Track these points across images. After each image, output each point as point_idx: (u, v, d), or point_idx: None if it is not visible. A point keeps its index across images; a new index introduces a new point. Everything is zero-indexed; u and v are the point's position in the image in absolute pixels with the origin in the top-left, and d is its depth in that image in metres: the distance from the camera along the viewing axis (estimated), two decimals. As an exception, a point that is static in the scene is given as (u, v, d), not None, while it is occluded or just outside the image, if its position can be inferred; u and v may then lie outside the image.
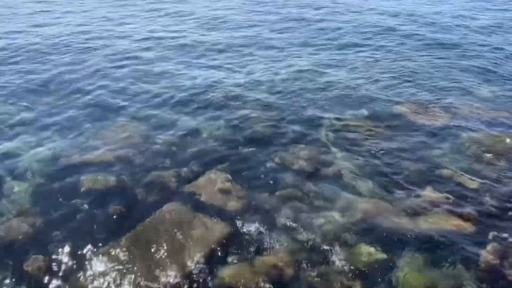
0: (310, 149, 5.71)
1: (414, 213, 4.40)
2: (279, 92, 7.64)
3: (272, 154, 5.58)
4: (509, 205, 4.56)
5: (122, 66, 9.07)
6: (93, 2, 15.88)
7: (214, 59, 9.62)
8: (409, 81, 8.17)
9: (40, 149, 5.63)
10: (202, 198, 4.69)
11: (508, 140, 5.87)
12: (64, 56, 9.66)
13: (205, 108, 7.00)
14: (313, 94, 7.57)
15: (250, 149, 5.73)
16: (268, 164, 5.36)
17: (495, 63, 9.32)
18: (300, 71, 8.76)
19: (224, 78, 8.38)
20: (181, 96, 7.47)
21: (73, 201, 4.61)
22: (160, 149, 5.70)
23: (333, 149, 5.73)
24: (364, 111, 6.84)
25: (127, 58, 9.63)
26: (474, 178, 5.00)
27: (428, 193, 4.72)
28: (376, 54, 10.04)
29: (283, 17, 14.34)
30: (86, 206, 4.53)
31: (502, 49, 10.43)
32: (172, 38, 11.40)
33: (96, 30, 11.94)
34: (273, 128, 6.32)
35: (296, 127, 6.34)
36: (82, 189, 4.81)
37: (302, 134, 6.15)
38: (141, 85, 8.03)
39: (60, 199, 4.65)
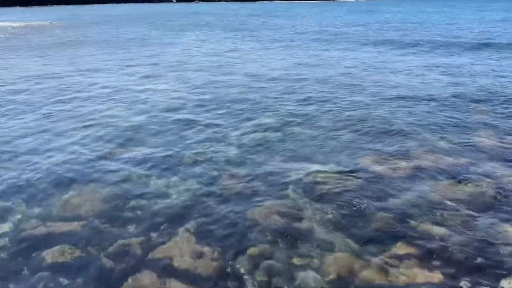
0: (281, 205, 5.75)
1: (385, 268, 4.43)
2: (248, 149, 7.78)
3: (243, 211, 5.58)
4: (475, 252, 4.67)
5: (86, 127, 9.07)
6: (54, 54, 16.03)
7: (179, 118, 9.77)
8: (372, 133, 8.52)
9: (1, 223, 5.41)
10: (172, 263, 4.57)
11: (467, 187, 6.12)
12: (26, 116, 9.57)
13: (174, 169, 7.00)
14: (281, 149, 7.75)
15: (221, 207, 5.72)
16: (240, 222, 5.35)
17: (451, 113, 9.89)
18: (266, 127, 9.03)
19: (192, 137, 8.50)
20: (150, 158, 7.47)
21: (37, 274, 4.39)
22: (128, 215, 5.58)
23: (303, 204, 5.79)
24: (331, 164, 7.01)
25: (91, 119, 9.66)
26: (440, 227, 5.13)
27: (398, 245, 4.79)
28: (337, 106, 10.49)
29: (247, 73, 14.90)
30: (51, 280, 4.32)
31: (459, 97, 11.15)
32: (138, 92, 11.57)
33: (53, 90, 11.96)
34: (243, 185, 6.37)
35: (266, 183, 6.41)
36: (47, 262, 4.59)
37: (272, 190, 6.21)
38: (106, 146, 8.00)
39: (25, 273, 4.42)
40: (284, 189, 6.24)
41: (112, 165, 7.14)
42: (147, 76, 15.27)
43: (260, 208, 5.68)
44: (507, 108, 10.21)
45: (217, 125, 9.20)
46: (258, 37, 29.82)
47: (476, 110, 10.05)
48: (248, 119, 9.58)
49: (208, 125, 9.22)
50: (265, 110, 10.35)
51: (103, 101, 11.47)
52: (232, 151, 7.69)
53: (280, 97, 11.63)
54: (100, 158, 7.47)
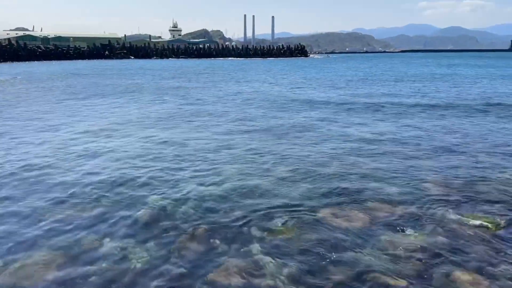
0: (242, 263, 5.65)
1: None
2: (208, 206, 7.70)
3: (203, 275, 5.42)
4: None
5: (31, 193, 8.67)
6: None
7: (134, 175, 9.59)
8: (329, 185, 8.74)
9: None
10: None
11: (420, 236, 6.34)
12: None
13: (130, 230, 6.75)
14: (239, 203, 7.75)
15: (180, 271, 5.53)
16: (201, 286, 5.18)
17: (400, 162, 10.41)
18: (225, 181, 9.03)
19: (150, 195, 8.32)
20: (104, 218, 7.19)
21: None
22: (79, 282, 5.25)
23: (264, 260, 5.73)
24: (288, 219, 7.06)
25: (37, 182, 9.26)
26: (397, 279, 5.22)
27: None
28: (292, 160, 10.75)
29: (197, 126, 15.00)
30: None
31: (408, 147, 11.79)
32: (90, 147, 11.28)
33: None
34: (203, 246, 6.22)
35: (226, 241, 6.31)
36: None
37: (232, 248, 6.11)
38: (55, 210, 7.64)
39: None
40: (245, 245, 6.17)
41: (63, 228, 6.78)
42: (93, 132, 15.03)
43: (221, 267, 5.55)
44: (450, 156, 10.92)
45: (174, 181, 9.10)
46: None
47: (423, 159, 10.64)
48: (206, 172, 9.57)
49: (165, 181, 9.09)
50: (225, 163, 10.41)
51: (48, 157, 11.08)
52: (190, 207, 7.59)
53: (237, 150, 11.79)
54: (51, 220, 7.08)
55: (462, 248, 5.97)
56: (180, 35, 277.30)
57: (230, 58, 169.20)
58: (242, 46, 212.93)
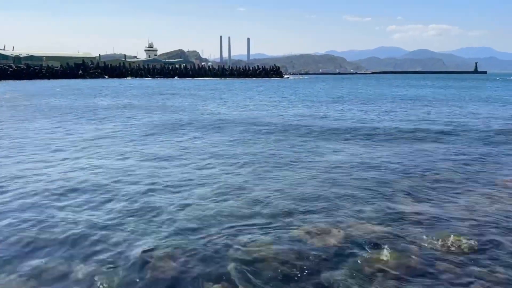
0: (217, 285, 5.57)
1: None
2: (183, 226, 7.58)
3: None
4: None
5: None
6: None
7: (105, 199, 9.38)
8: (305, 204, 8.78)
9: None
10: None
11: (394, 255, 6.41)
12: None
13: (102, 251, 6.56)
14: (215, 224, 7.66)
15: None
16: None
17: (375, 183, 10.61)
18: (198, 201, 8.95)
19: (123, 217, 8.14)
20: (73, 242, 6.96)
21: None
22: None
23: (241, 282, 5.66)
24: (264, 238, 7.03)
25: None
26: (373, 297, 5.26)
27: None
28: (268, 181, 10.78)
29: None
30: None
31: (382, 170, 12.04)
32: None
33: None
34: (178, 267, 6.10)
35: (201, 262, 6.21)
36: None
37: (207, 269, 6.01)
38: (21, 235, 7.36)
39: None
40: (220, 265, 6.10)
41: (30, 252, 6.51)
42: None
43: (195, 290, 5.44)
44: (420, 177, 11.22)
45: (147, 202, 8.94)
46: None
47: (395, 180, 10.88)
48: (181, 193, 9.45)
49: (137, 202, 8.92)
50: (198, 184, 10.32)
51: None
52: (164, 228, 7.46)
53: (212, 170, 11.74)
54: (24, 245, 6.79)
55: (435, 268, 6.06)
56: (156, 55, 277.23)
57: (208, 78, 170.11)
58: (218, 66, 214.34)
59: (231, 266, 6.09)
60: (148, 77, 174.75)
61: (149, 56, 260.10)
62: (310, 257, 6.35)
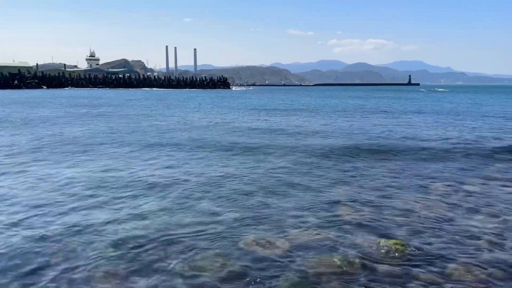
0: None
1: None
2: (127, 243, 7.34)
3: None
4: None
5: None
6: None
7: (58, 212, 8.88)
8: (251, 215, 8.86)
9: None
10: None
11: (337, 260, 6.66)
12: None
13: (39, 275, 6.18)
14: (160, 241, 7.50)
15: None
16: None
17: (316, 193, 10.94)
18: (145, 217, 8.73)
19: (64, 237, 7.72)
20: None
21: None
22: None
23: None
24: (211, 250, 7.01)
25: None
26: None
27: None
28: (212, 193, 10.76)
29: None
30: None
31: (323, 176, 12.43)
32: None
33: None
34: (123, 286, 5.90)
35: (146, 278, 6.05)
36: None
37: (153, 285, 5.88)
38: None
39: None
40: (167, 281, 5.97)
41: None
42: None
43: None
44: (359, 183, 11.76)
45: (88, 218, 8.56)
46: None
47: (335, 187, 11.31)
48: (124, 208, 9.16)
49: (81, 219, 8.51)
50: (143, 196, 10.06)
51: None
52: (108, 245, 7.17)
53: (157, 185, 11.51)
54: None
55: (376, 271, 6.37)
56: (98, 64, 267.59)
57: (155, 89, 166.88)
58: (165, 76, 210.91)
59: (177, 281, 6.00)
60: (90, 87, 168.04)
61: (91, 66, 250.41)
62: (257, 267, 6.42)
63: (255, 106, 54.45)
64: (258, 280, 6.02)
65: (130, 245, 7.24)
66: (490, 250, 7.16)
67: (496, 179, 12.50)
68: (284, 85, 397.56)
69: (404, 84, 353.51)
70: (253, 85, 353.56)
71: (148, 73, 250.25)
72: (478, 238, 7.69)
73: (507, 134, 23.73)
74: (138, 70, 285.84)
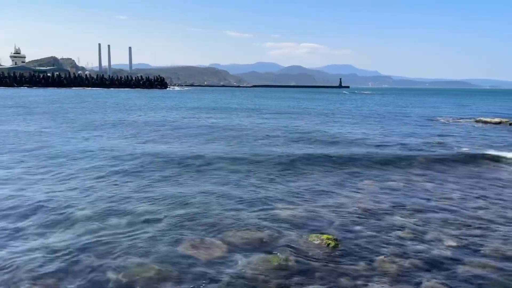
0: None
1: None
2: (57, 253, 6.94)
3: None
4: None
5: None
6: None
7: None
8: (187, 217, 8.78)
9: None
10: None
11: (275, 259, 6.83)
12: None
13: None
14: (93, 249, 7.20)
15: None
16: None
17: (252, 190, 11.12)
18: (76, 225, 8.32)
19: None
20: None
21: None
22: None
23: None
24: (149, 256, 6.85)
25: None
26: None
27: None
28: (150, 196, 10.53)
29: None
30: None
31: (256, 177, 12.63)
32: None
33: None
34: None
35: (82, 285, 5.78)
36: None
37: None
38: None
39: None
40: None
41: None
42: None
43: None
44: (295, 181, 12.15)
45: (15, 227, 7.97)
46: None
47: (272, 188, 11.58)
48: (54, 217, 8.63)
49: (9, 229, 7.89)
50: (78, 206, 9.56)
51: None
52: (36, 255, 6.72)
53: (91, 192, 11.00)
54: None
55: (309, 266, 6.65)
56: (24, 62, 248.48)
57: (87, 88, 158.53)
58: (97, 75, 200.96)
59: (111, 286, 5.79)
60: (15, 85, 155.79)
61: (16, 63, 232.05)
62: (195, 271, 6.39)
63: (199, 106, 53.82)
64: (195, 285, 5.97)
65: (61, 252, 6.86)
66: (412, 242, 7.76)
67: (418, 174, 13.56)
68: (223, 86, 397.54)
69: (335, 86, 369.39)
70: (192, 85, 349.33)
71: (80, 72, 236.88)
72: (402, 231, 8.30)
73: (430, 134, 25.82)
74: (69, 69, 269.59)
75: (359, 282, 6.15)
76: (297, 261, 6.80)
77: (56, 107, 47.20)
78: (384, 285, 6.08)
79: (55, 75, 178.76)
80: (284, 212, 9.33)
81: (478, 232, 8.32)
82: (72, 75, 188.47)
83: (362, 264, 6.76)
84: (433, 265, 6.77)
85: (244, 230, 8.15)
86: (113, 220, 8.59)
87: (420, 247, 7.52)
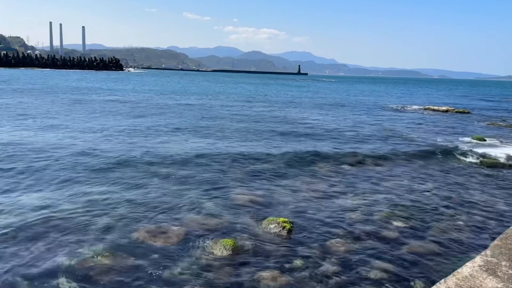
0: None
1: None
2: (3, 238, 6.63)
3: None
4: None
5: None
6: None
7: None
8: (145, 204, 8.66)
9: None
10: None
11: (231, 243, 6.89)
12: None
13: None
14: (45, 232, 6.96)
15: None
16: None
17: (211, 175, 11.12)
18: (26, 210, 7.96)
19: None
20: None
21: None
22: None
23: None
24: (100, 245, 6.70)
25: None
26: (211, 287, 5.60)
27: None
28: (102, 183, 10.27)
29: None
30: None
31: (215, 161, 12.63)
32: None
33: None
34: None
35: (26, 277, 5.57)
36: None
37: (34, 283, 5.45)
38: None
39: None
40: (50, 278, 5.58)
41: None
42: None
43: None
44: (252, 168, 12.27)
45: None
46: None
47: (229, 173, 11.64)
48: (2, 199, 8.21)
49: None
50: (28, 190, 9.12)
51: None
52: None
53: (42, 175, 10.53)
54: None
55: (265, 250, 6.80)
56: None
57: (37, 69, 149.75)
58: (48, 55, 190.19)
59: (61, 279, 5.62)
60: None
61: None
62: (151, 259, 6.33)
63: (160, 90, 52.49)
64: (150, 273, 5.94)
65: (6, 238, 6.56)
66: (362, 224, 8.12)
67: (369, 157, 14.12)
68: (181, 69, 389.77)
69: (295, 73, 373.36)
70: (149, 68, 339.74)
71: (29, 51, 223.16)
72: (353, 213, 8.65)
73: (381, 121, 26.81)
74: (17, 48, 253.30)
75: (311, 263, 6.37)
76: (253, 245, 6.92)
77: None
78: (335, 266, 6.34)
79: (2, 54, 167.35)
80: (240, 197, 9.42)
81: (425, 214, 8.83)
82: (21, 55, 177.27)
83: (315, 246, 7.00)
84: (382, 245, 7.13)
85: (201, 216, 8.16)
86: (66, 205, 8.31)
87: (370, 228, 7.89)
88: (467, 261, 3.20)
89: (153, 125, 20.91)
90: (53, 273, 5.79)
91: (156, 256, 6.43)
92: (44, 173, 10.84)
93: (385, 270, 6.23)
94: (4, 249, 6.43)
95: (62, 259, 6.16)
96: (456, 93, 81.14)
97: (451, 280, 2.72)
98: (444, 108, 36.32)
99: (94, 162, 12.12)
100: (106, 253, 6.39)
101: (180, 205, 8.74)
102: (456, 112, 34.37)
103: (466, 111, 34.77)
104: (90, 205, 8.51)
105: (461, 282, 2.70)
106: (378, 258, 6.65)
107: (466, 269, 2.90)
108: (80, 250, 6.49)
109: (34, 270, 5.82)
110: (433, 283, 5.82)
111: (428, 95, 66.48)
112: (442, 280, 2.73)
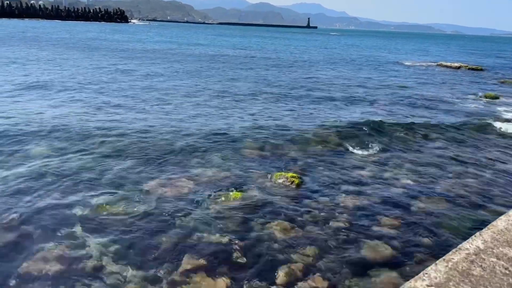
0: (62, 248, 5.24)
1: (177, 284, 4.64)
2: (19, 189, 6.75)
3: (16, 267, 4.83)
4: (252, 252, 5.37)
5: None
6: None
7: None
8: (155, 158, 8.72)
9: None
10: None
11: (239, 196, 6.99)
12: None
13: None
14: (59, 182, 7.09)
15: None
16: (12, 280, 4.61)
17: (221, 135, 11.09)
18: (39, 159, 8.05)
19: None
20: None
21: None
22: None
23: (89, 241, 5.44)
24: (115, 195, 6.83)
25: None
26: (222, 236, 5.70)
27: (185, 261, 5.08)
28: (115, 135, 10.30)
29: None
30: None
31: (226, 119, 12.56)
32: None
33: None
34: (14, 235, 5.50)
35: (41, 227, 5.71)
36: None
37: (50, 233, 5.59)
38: None
39: None
40: (65, 228, 5.72)
41: None
42: None
43: (36, 257, 5.03)
44: (260, 122, 12.20)
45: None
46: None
47: (237, 128, 11.58)
48: (10, 151, 8.31)
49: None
50: (34, 141, 9.20)
51: None
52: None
53: (48, 126, 10.57)
54: None
55: (275, 202, 6.86)
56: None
57: (41, 20, 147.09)
58: (52, 6, 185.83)
59: (77, 228, 5.75)
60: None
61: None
62: (162, 208, 6.44)
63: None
64: (162, 221, 6.06)
65: (19, 189, 6.69)
66: (372, 180, 8.13)
67: (383, 115, 13.96)
68: (187, 22, 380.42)
69: (303, 26, 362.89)
70: (154, 20, 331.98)
71: (32, 1, 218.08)
72: (363, 170, 8.65)
73: (387, 76, 26.30)
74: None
75: (321, 217, 6.43)
76: (262, 198, 6.99)
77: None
78: (344, 220, 6.40)
79: (5, 4, 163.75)
80: (250, 151, 9.42)
81: (434, 171, 8.81)
82: (24, 5, 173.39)
83: (325, 200, 7.05)
84: (390, 202, 7.16)
85: (210, 169, 8.21)
86: (75, 156, 8.40)
87: (379, 185, 7.90)
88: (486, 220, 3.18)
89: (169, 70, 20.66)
90: (68, 222, 5.92)
91: (167, 205, 6.54)
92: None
93: (395, 227, 6.28)
94: (21, 201, 6.55)
95: (77, 209, 6.28)
96: (469, 49, 78.83)
97: (486, 233, 2.72)
98: (456, 64, 35.40)
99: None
100: (118, 203, 6.51)
101: (189, 158, 8.78)
102: (469, 69, 33.52)
103: (479, 67, 33.90)
104: (100, 158, 8.58)
105: (497, 235, 2.70)
106: (388, 214, 6.70)
107: (501, 222, 2.88)
108: (93, 200, 6.60)
109: (46, 219, 5.95)
110: (443, 240, 5.91)
111: (440, 51, 64.68)
112: (478, 233, 2.72)
